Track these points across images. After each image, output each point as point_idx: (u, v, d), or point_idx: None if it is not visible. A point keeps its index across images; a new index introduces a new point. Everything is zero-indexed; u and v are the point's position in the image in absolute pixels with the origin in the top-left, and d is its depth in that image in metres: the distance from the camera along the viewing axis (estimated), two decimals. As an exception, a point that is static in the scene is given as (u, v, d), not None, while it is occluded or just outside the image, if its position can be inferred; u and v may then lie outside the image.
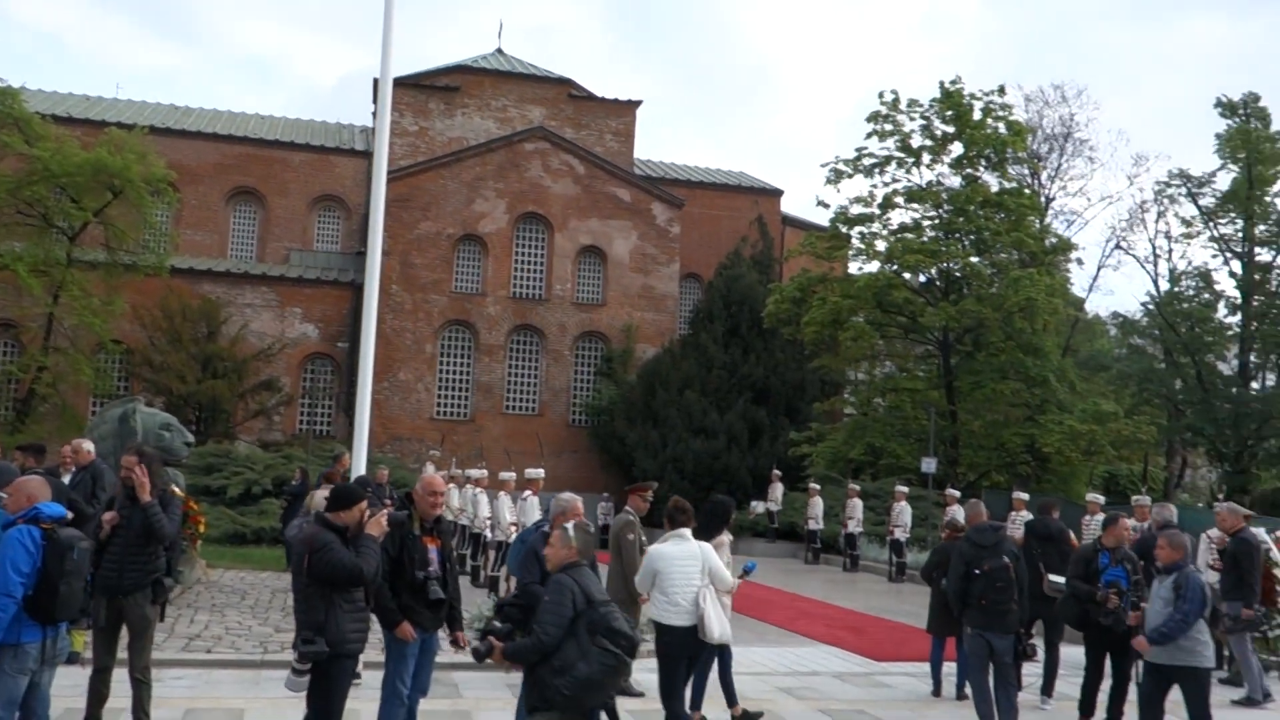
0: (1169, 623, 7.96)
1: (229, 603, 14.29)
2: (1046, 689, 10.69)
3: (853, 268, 33.57)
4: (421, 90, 37.75)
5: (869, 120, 31.03)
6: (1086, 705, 9.59)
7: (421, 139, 37.21)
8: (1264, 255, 34.49)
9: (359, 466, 10.42)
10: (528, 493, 16.58)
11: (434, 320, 34.50)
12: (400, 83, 36.17)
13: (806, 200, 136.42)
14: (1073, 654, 12.52)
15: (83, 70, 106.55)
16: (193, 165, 36.10)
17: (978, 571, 8.87)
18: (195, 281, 32.85)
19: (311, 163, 37.87)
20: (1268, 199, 33.93)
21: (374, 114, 13.34)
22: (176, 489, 12.75)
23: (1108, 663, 9.48)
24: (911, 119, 30.86)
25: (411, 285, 34.25)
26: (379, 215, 11.39)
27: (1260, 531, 13.13)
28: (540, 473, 17.33)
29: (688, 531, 8.00)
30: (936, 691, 10.97)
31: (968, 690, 9.86)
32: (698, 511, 8.50)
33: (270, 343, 32.47)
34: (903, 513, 22.85)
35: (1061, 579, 10.06)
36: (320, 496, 14.46)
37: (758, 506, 28.19)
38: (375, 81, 11.35)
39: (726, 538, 8.85)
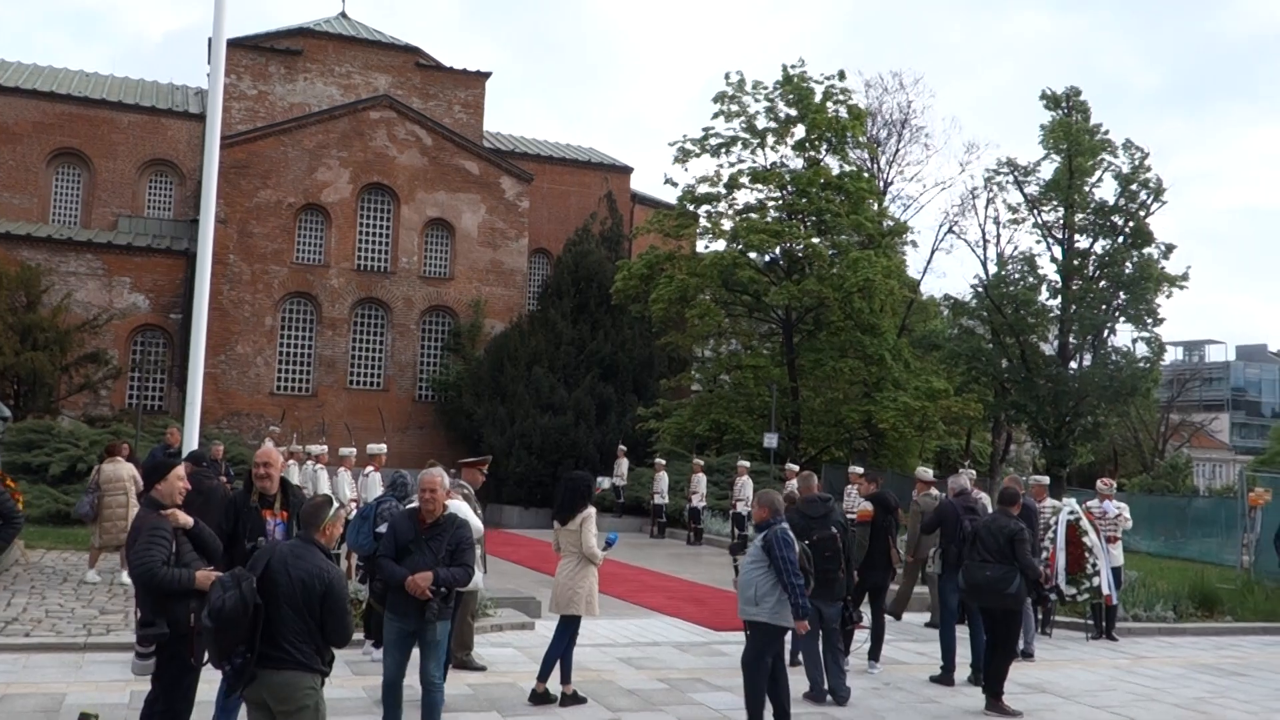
0: (794, 586, 7.93)
1: (50, 584, 13.66)
2: (874, 654, 11.14)
3: (700, 246, 34.09)
4: (261, 53, 36.40)
5: (715, 101, 31.55)
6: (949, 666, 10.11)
7: (261, 104, 35.93)
8: (1082, 242, 36.39)
9: (191, 441, 10.09)
10: (370, 469, 16.41)
11: (274, 292, 33.49)
12: (237, 44, 34.89)
13: (656, 178, 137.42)
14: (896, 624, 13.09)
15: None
16: (9, 123, 34.07)
17: (807, 542, 9.18)
18: (12, 247, 31.00)
19: (141, 124, 36.13)
20: (1086, 188, 35.78)
21: (209, 75, 12.86)
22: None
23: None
24: (756, 101, 31.51)
25: (250, 255, 33.15)
26: (212, 181, 11.02)
27: (1071, 502, 14.07)
28: (382, 448, 17.16)
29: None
30: (771, 658, 11.28)
31: (800, 657, 10.22)
32: (557, 488, 8.73)
33: (97, 313, 30.89)
34: (745, 487, 23.35)
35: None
36: (110, 470, 13.94)
37: (603, 482, 28.42)
38: (210, 41, 10.86)
39: (591, 511, 9.05)
